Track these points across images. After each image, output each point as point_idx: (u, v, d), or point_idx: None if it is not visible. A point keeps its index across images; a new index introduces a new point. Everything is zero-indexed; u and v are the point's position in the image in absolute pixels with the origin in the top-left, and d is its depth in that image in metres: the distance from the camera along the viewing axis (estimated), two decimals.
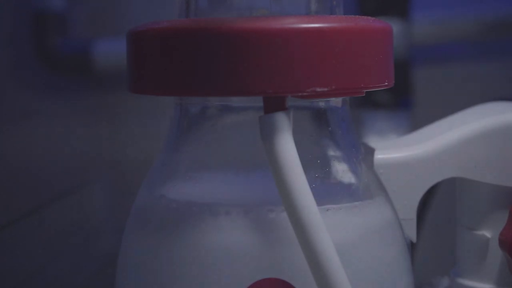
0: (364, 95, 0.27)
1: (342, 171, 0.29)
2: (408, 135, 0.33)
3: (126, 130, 0.60)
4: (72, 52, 0.56)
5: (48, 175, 0.51)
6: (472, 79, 0.58)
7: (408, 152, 0.30)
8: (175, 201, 0.28)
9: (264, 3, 0.28)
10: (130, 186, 0.40)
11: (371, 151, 0.30)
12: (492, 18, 0.55)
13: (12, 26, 0.50)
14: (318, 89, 0.25)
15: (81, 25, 0.58)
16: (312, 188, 0.25)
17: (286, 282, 0.26)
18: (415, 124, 0.45)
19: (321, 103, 0.29)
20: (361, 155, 0.30)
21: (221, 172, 0.29)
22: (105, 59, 0.56)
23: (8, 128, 0.46)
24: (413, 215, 0.30)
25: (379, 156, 0.30)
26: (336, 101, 0.29)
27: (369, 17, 0.27)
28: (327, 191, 0.28)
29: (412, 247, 0.31)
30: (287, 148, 0.25)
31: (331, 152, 0.29)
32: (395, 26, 0.33)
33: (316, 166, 0.28)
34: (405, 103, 0.53)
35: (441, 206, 0.38)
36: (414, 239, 0.30)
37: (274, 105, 0.25)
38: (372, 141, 0.33)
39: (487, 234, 0.31)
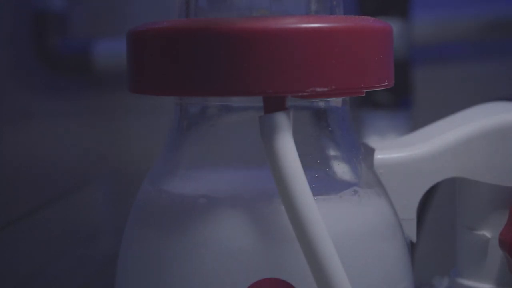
0: (364, 95, 0.27)
1: (342, 171, 0.29)
2: (408, 135, 0.33)
3: (126, 130, 0.60)
4: (72, 52, 0.56)
5: (48, 175, 0.51)
6: (472, 79, 0.58)
7: (408, 152, 0.30)
8: (177, 194, 0.28)
9: (264, 3, 0.28)
10: (130, 186, 0.40)
11: (371, 151, 0.30)
12: (492, 18, 0.55)
13: (12, 26, 0.50)
14: (318, 89, 0.25)
15: (81, 25, 0.58)
16: (312, 188, 0.25)
17: (286, 282, 0.26)
18: (415, 124, 0.45)
19: (321, 103, 0.29)
20: (361, 155, 0.30)
21: (221, 169, 0.29)
22: (105, 59, 0.56)
23: (8, 128, 0.46)
24: (413, 215, 0.30)
25: (379, 156, 0.30)
26: (336, 101, 0.29)
27: (369, 17, 0.27)
28: (327, 191, 0.28)
29: (412, 247, 0.31)
30: (287, 148, 0.25)
31: (331, 152, 0.29)
32: (395, 26, 0.33)
33: (316, 166, 0.28)
34: (405, 103, 0.53)
35: (441, 206, 0.38)
36: (414, 239, 0.30)
37: (274, 105, 0.25)
38: (372, 141, 0.33)
39: (487, 234, 0.31)
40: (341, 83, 0.25)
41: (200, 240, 0.26)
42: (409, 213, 0.30)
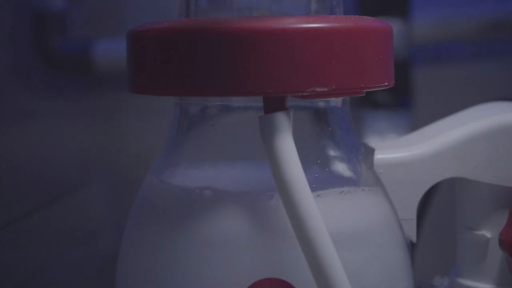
0: (364, 95, 0.27)
1: (342, 171, 0.29)
2: (408, 135, 0.33)
3: (126, 130, 0.60)
4: (72, 52, 0.56)
5: (48, 175, 0.51)
6: (472, 79, 0.58)
7: (408, 152, 0.30)
8: (179, 186, 0.28)
9: (264, 3, 0.28)
10: (130, 186, 0.40)
11: (371, 151, 0.30)
12: (492, 18, 0.55)
13: (12, 26, 0.50)
14: (318, 89, 0.25)
15: (81, 25, 0.58)
16: (311, 188, 0.25)
17: (286, 282, 0.26)
18: (415, 124, 0.45)
19: (321, 103, 0.29)
20: (361, 155, 0.30)
21: (221, 168, 0.29)
22: (105, 59, 0.56)
23: (8, 128, 0.46)
24: (413, 215, 0.30)
25: (379, 156, 0.30)
26: (336, 101, 0.29)
27: (369, 17, 0.27)
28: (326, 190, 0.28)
29: (412, 247, 0.31)
30: (287, 148, 0.25)
31: (331, 152, 0.29)
32: (395, 26, 0.33)
33: (316, 166, 0.28)
34: (405, 103, 0.53)
35: (441, 206, 0.38)
36: (414, 239, 0.30)
37: (274, 105, 0.25)
38: (372, 141, 0.33)
39: (487, 234, 0.31)
40: (341, 83, 0.25)
41: (202, 236, 0.26)
42: (409, 213, 0.30)
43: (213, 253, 0.26)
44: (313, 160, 0.28)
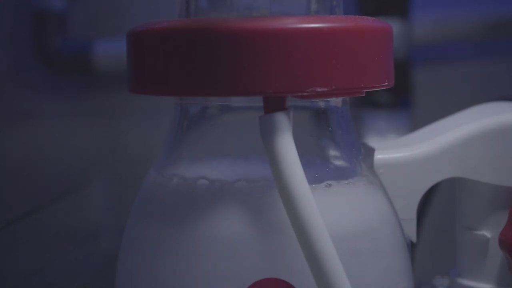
0: (364, 95, 0.27)
1: (341, 171, 0.29)
2: (408, 135, 0.33)
3: (126, 130, 0.60)
4: (72, 52, 0.56)
5: (48, 175, 0.51)
6: (472, 79, 0.58)
7: (408, 152, 0.30)
8: (182, 177, 0.28)
9: (264, 3, 0.28)
10: (130, 185, 0.40)
11: (371, 151, 0.30)
12: (492, 18, 0.55)
13: (12, 26, 0.50)
14: (318, 89, 0.25)
15: (81, 25, 0.58)
16: (311, 188, 0.25)
17: (286, 282, 0.26)
18: (415, 124, 0.45)
19: (321, 103, 0.29)
20: (361, 155, 0.30)
21: (221, 164, 0.29)
22: (105, 59, 0.56)
23: (8, 128, 0.46)
24: (413, 215, 0.30)
25: (379, 156, 0.30)
26: (336, 101, 0.29)
27: (369, 17, 0.27)
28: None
29: (412, 247, 0.31)
30: (287, 148, 0.25)
31: (331, 152, 0.29)
32: (395, 26, 0.33)
33: (316, 166, 0.28)
34: (405, 103, 0.53)
35: (441, 206, 0.38)
36: (414, 239, 0.30)
37: (274, 105, 0.25)
38: (372, 141, 0.33)
39: (487, 234, 0.31)
40: (341, 83, 0.25)
41: (201, 236, 0.26)
42: (409, 213, 0.30)
43: (213, 252, 0.26)
44: (313, 160, 0.28)
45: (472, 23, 0.55)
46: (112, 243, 0.55)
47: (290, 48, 0.24)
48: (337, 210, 0.27)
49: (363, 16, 0.27)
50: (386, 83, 0.27)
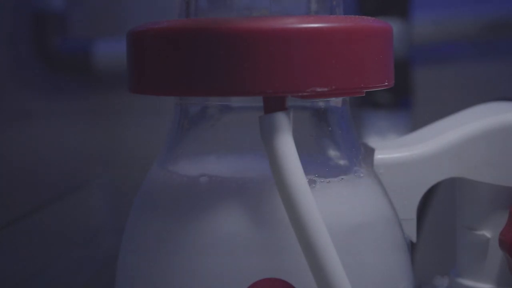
0: (364, 95, 0.27)
1: (341, 171, 0.29)
2: (408, 135, 0.33)
3: (126, 130, 0.60)
4: (72, 52, 0.56)
5: (48, 175, 0.51)
6: (472, 79, 0.58)
7: (408, 152, 0.30)
8: (183, 175, 0.28)
9: (264, 3, 0.28)
10: (130, 186, 0.39)
11: (371, 151, 0.30)
12: (492, 18, 0.55)
13: (12, 26, 0.50)
14: (318, 89, 0.25)
15: (81, 25, 0.58)
16: (311, 188, 0.25)
17: (286, 282, 0.26)
18: (415, 124, 0.45)
19: (321, 103, 0.29)
20: (361, 155, 0.30)
21: (221, 162, 0.29)
22: (105, 59, 0.56)
23: (8, 128, 0.46)
24: (413, 215, 0.30)
25: (379, 156, 0.30)
26: (336, 101, 0.29)
27: (369, 17, 0.27)
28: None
29: (412, 247, 0.31)
30: (287, 148, 0.25)
31: (331, 152, 0.29)
32: (395, 26, 0.33)
33: (316, 166, 0.28)
34: (405, 103, 0.53)
35: (441, 206, 0.38)
36: (414, 239, 0.30)
37: (274, 105, 0.25)
38: (372, 141, 0.33)
39: (487, 234, 0.31)
40: (341, 83, 0.25)
41: (202, 233, 0.26)
42: (409, 213, 0.30)
43: (212, 251, 0.26)
44: (313, 160, 0.28)
45: (472, 23, 0.55)
46: (112, 243, 0.55)
47: (290, 48, 0.24)
48: (336, 207, 0.27)
49: (363, 16, 0.27)
50: (386, 83, 0.27)
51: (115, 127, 0.60)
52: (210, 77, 0.25)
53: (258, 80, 0.24)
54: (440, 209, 0.39)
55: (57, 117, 0.54)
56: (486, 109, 0.32)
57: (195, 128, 0.30)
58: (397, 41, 0.50)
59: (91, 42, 0.56)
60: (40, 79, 0.54)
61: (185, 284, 0.26)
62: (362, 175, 0.29)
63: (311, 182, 0.27)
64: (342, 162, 0.29)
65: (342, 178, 0.28)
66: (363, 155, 0.30)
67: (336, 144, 0.29)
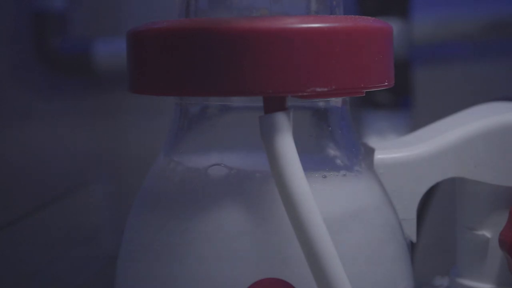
0: (364, 95, 0.27)
1: (341, 171, 0.29)
2: (408, 135, 0.33)
3: (126, 130, 0.60)
4: (72, 52, 0.56)
5: (48, 175, 0.51)
6: (472, 79, 0.58)
7: (408, 152, 0.30)
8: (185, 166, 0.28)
9: (264, 3, 0.28)
10: (130, 186, 0.39)
11: (371, 151, 0.30)
12: (492, 18, 0.55)
13: (12, 26, 0.50)
14: (318, 89, 0.25)
15: (81, 25, 0.58)
16: (312, 188, 0.25)
17: (286, 282, 0.26)
18: (415, 124, 0.45)
19: (321, 103, 0.29)
20: (361, 155, 0.30)
21: (222, 161, 0.29)
22: (105, 59, 0.56)
23: (8, 128, 0.46)
24: (413, 215, 0.30)
25: (379, 156, 0.30)
26: (336, 101, 0.29)
27: (369, 17, 0.27)
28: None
29: (412, 247, 0.31)
30: (287, 148, 0.25)
31: (331, 152, 0.29)
32: (395, 26, 0.33)
33: (316, 165, 0.28)
34: (405, 103, 0.53)
35: (441, 206, 0.38)
36: (414, 239, 0.30)
37: (274, 105, 0.25)
38: (372, 141, 0.33)
39: (487, 234, 0.31)
40: (341, 83, 0.25)
41: (202, 233, 0.26)
42: (409, 213, 0.30)
43: (212, 251, 0.26)
44: (313, 159, 0.28)
45: (472, 23, 0.55)
46: (112, 243, 0.55)
47: (290, 48, 0.24)
48: (336, 203, 0.27)
49: (363, 16, 0.27)
50: (386, 83, 0.27)
51: (115, 127, 0.60)
52: (210, 77, 0.25)
53: (258, 80, 0.24)
54: (440, 209, 0.39)
55: (57, 117, 0.54)
56: (486, 109, 0.32)
57: (195, 128, 0.30)
58: (397, 41, 0.50)
59: (91, 42, 0.56)
60: (40, 79, 0.54)
61: (186, 284, 0.26)
62: (362, 174, 0.29)
63: (312, 178, 0.27)
64: (342, 161, 0.29)
65: (344, 175, 0.28)
66: (363, 155, 0.30)
67: (336, 144, 0.29)
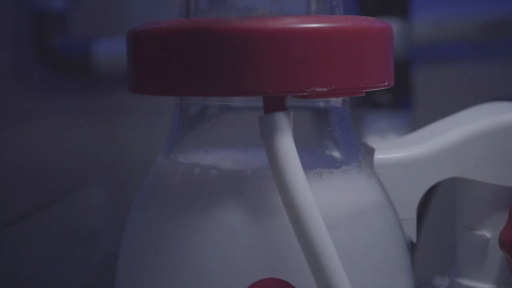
0: (364, 95, 0.27)
1: (341, 171, 0.29)
2: (408, 135, 0.33)
3: (126, 130, 0.60)
4: (72, 52, 0.56)
5: (48, 175, 0.51)
6: (472, 79, 0.58)
7: (408, 152, 0.30)
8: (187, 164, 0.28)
9: (264, 3, 0.28)
10: (130, 186, 0.40)
11: (371, 151, 0.30)
12: (492, 18, 0.55)
13: (12, 26, 0.50)
14: (318, 89, 0.25)
15: (81, 25, 0.58)
16: (311, 188, 0.25)
17: (286, 282, 0.26)
18: (415, 124, 0.45)
19: (321, 103, 0.29)
20: (361, 155, 0.30)
21: (222, 160, 0.29)
22: (105, 59, 0.56)
23: (8, 128, 0.46)
24: (413, 215, 0.30)
25: (379, 156, 0.30)
26: (336, 101, 0.29)
27: (369, 17, 0.27)
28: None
29: (412, 247, 0.31)
30: (287, 148, 0.25)
31: (331, 152, 0.29)
32: (395, 26, 0.33)
33: (316, 166, 0.28)
34: (405, 103, 0.53)
35: (441, 206, 0.38)
36: (414, 239, 0.30)
37: (274, 105, 0.25)
38: (372, 141, 0.33)
39: (487, 234, 0.31)
40: (341, 83, 0.25)
41: (202, 232, 0.26)
42: (409, 213, 0.30)
43: (212, 250, 0.26)
44: (313, 157, 0.28)
45: (472, 23, 0.55)
46: (112, 243, 0.55)
47: (290, 48, 0.24)
48: (334, 203, 0.27)
49: (363, 16, 0.27)
50: (386, 83, 0.27)
51: (115, 127, 0.60)
52: (210, 77, 0.25)
53: (258, 80, 0.24)
54: (440, 209, 0.39)
55: (57, 117, 0.54)
56: (486, 109, 0.32)
57: (195, 128, 0.30)
58: (397, 41, 0.50)
59: (91, 42, 0.56)
60: (40, 79, 0.54)
61: (186, 284, 0.26)
62: (362, 174, 0.29)
63: (311, 178, 0.27)
64: (342, 162, 0.29)
65: (344, 175, 0.28)
66: (363, 155, 0.30)
67: (336, 144, 0.29)
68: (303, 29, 0.24)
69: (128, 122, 0.60)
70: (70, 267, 0.52)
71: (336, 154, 0.29)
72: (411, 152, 0.30)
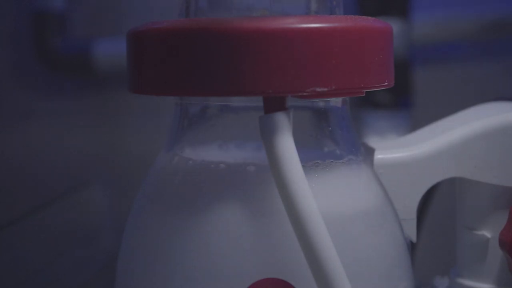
0: (364, 95, 0.27)
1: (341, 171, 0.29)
2: (408, 135, 0.33)
3: (126, 130, 0.60)
4: (72, 52, 0.56)
5: (48, 175, 0.51)
6: (472, 79, 0.58)
7: (408, 152, 0.30)
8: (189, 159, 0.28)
9: (264, 3, 0.28)
10: (130, 186, 0.40)
11: (371, 151, 0.30)
12: (492, 18, 0.55)
13: (12, 26, 0.50)
14: (318, 89, 0.25)
15: (81, 25, 0.58)
16: (312, 188, 0.25)
17: (286, 282, 0.26)
18: (415, 124, 0.45)
19: (321, 103, 0.29)
20: (361, 155, 0.30)
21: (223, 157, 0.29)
22: (105, 59, 0.56)
23: (8, 128, 0.46)
24: (413, 215, 0.30)
25: (379, 156, 0.30)
26: (336, 101, 0.29)
27: (369, 17, 0.27)
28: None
29: (412, 247, 0.31)
30: (287, 148, 0.25)
31: (331, 152, 0.29)
32: (395, 26, 0.33)
33: (316, 166, 0.28)
34: (405, 103, 0.53)
35: (441, 206, 0.38)
36: (414, 239, 0.30)
37: (274, 105, 0.25)
38: (372, 141, 0.33)
39: (487, 234, 0.31)
40: (341, 83, 0.25)
41: (202, 232, 0.27)
42: (409, 213, 0.30)
43: (212, 250, 0.26)
44: (313, 156, 0.28)
45: (472, 23, 0.55)
46: (112, 243, 0.55)
47: (290, 48, 0.24)
48: (334, 202, 0.27)
49: (363, 16, 0.27)
50: (386, 83, 0.27)
51: (115, 127, 0.60)
52: (210, 77, 0.25)
53: (258, 80, 0.24)
54: (440, 209, 0.39)
55: (57, 117, 0.54)
56: (486, 109, 0.32)
57: (196, 128, 0.30)
58: (397, 41, 0.50)
59: (91, 42, 0.56)
60: (40, 79, 0.54)
61: (186, 283, 0.26)
62: (361, 174, 0.29)
63: (311, 178, 0.27)
64: (342, 161, 0.29)
65: (344, 175, 0.28)
66: (363, 155, 0.30)
67: (336, 144, 0.29)
68: (303, 29, 0.24)
69: (128, 122, 0.60)
70: (70, 267, 0.52)
71: (336, 154, 0.29)
72: (411, 152, 0.30)
